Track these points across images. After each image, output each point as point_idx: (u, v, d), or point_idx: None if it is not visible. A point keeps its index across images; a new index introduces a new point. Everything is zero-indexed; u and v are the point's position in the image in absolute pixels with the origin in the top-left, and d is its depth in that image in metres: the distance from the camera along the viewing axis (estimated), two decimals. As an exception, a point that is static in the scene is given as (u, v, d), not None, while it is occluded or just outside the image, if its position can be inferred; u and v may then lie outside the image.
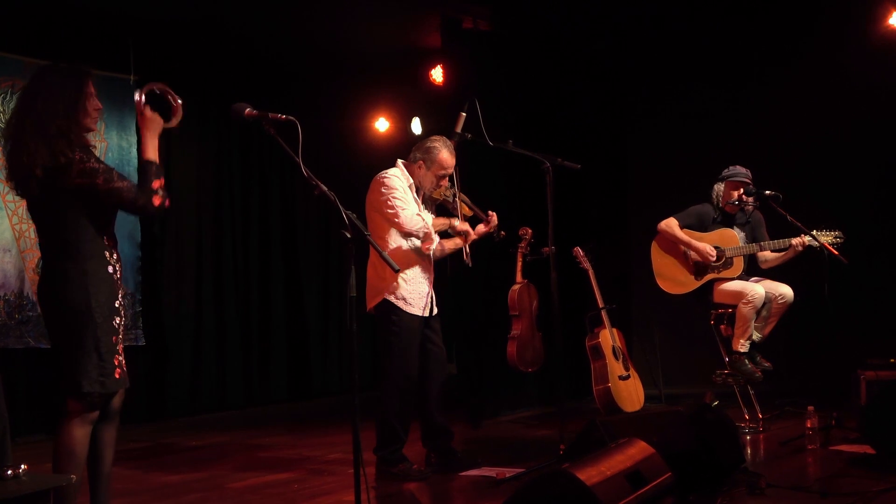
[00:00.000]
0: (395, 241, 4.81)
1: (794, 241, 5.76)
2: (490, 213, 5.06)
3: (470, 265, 4.95)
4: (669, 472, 3.55)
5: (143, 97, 3.51)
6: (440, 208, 5.13)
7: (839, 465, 4.63)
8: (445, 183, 4.96)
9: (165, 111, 3.55)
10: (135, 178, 7.75)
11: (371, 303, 4.88)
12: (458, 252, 5.00)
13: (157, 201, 3.42)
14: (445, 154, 4.86)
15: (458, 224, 4.93)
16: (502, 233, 5.17)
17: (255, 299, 8.36)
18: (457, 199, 5.02)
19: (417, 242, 4.84)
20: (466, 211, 5.08)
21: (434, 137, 4.95)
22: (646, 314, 7.83)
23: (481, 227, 5.02)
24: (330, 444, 5.99)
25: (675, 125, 8.03)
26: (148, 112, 3.51)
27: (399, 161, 4.96)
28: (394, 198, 4.73)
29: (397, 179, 4.82)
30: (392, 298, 4.79)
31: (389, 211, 4.73)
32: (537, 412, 7.16)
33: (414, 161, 4.91)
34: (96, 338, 3.34)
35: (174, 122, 3.57)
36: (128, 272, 7.12)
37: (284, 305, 8.60)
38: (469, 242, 4.94)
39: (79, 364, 3.33)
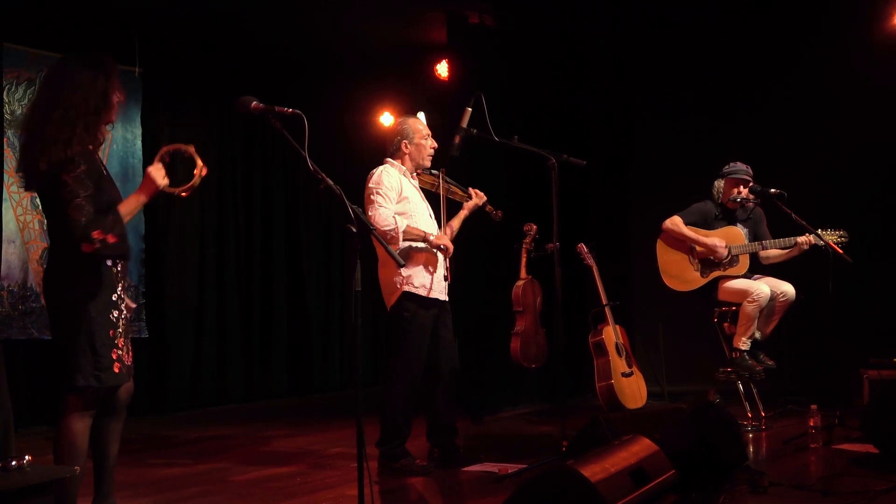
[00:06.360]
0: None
1: (801, 238, 5.76)
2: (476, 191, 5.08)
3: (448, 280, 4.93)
4: (673, 470, 3.55)
5: (166, 153, 3.52)
6: (429, 196, 5.11)
7: (842, 464, 4.63)
8: (434, 144, 4.94)
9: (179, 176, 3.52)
10: (138, 168, 7.72)
11: (391, 300, 4.83)
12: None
13: (86, 248, 3.25)
14: (412, 120, 4.94)
15: (434, 239, 4.80)
16: (499, 213, 5.13)
17: (257, 293, 8.36)
18: (444, 183, 5.01)
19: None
20: (455, 190, 5.09)
21: (393, 122, 4.97)
22: (648, 311, 7.82)
23: (470, 203, 5.03)
24: (331, 438, 6.00)
25: (679, 123, 8.01)
26: (155, 169, 3.45)
27: (387, 159, 4.94)
28: (376, 193, 4.71)
29: (387, 175, 4.79)
30: (411, 289, 4.76)
31: (367, 204, 4.71)
32: (539, 408, 7.16)
33: (399, 149, 4.90)
34: (90, 332, 3.31)
35: (181, 190, 3.56)
36: (131, 264, 7.12)
37: (286, 299, 8.60)
38: (449, 256, 4.88)
39: (73, 358, 3.31)
